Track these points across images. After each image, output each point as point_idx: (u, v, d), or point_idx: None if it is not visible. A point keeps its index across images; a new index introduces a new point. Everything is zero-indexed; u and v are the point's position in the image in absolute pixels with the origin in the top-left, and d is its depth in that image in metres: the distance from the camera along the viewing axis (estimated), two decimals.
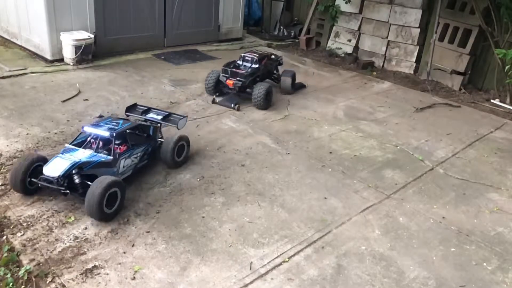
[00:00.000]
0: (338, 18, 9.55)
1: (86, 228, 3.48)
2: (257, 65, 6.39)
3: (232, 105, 6.07)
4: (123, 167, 3.95)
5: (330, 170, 4.73)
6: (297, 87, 7.09)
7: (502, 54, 6.20)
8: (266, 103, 6.15)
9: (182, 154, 4.48)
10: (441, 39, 7.98)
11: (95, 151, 3.84)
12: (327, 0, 9.65)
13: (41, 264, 3.09)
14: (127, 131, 4.12)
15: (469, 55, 7.68)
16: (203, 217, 3.76)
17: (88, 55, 7.27)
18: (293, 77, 6.93)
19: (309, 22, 10.31)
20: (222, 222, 3.72)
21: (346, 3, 9.06)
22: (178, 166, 4.44)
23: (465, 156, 5.34)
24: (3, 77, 6.45)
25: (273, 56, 6.92)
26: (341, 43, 9.65)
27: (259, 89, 6.04)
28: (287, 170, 4.65)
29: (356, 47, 9.42)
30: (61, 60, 7.25)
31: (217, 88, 6.37)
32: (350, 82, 7.97)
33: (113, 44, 7.83)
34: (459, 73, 7.86)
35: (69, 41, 6.99)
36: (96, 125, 4.02)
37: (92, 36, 7.29)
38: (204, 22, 9.34)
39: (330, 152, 5.12)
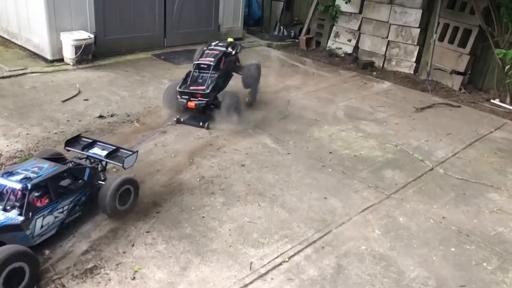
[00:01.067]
0: (338, 18, 9.54)
1: (86, 228, 3.48)
2: (216, 73, 5.45)
3: (201, 124, 5.38)
4: (41, 227, 3.07)
5: (330, 170, 4.73)
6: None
7: (502, 54, 6.19)
8: (236, 117, 5.44)
9: (128, 201, 3.59)
10: (441, 39, 7.98)
11: (4, 208, 2.99)
12: (327, 0, 9.65)
13: (40, 264, 3.09)
14: (61, 175, 3.27)
15: (469, 55, 7.67)
16: (203, 217, 3.76)
17: (88, 55, 7.27)
18: (259, 68, 6.09)
19: (309, 22, 10.31)
20: (222, 222, 3.72)
21: (346, 3, 9.06)
22: (121, 216, 3.57)
23: (465, 156, 5.34)
24: (3, 77, 6.45)
25: (230, 49, 5.79)
26: (341, 43, 9.65)
27: (227, 103, 5.35)
28: (287, 170, 4.65)
29: (356, 47, 9.41)
30: (61, 60, 7.24)
31: (176, 104, 5.49)
32: (350, 82, 7.97)
33: (113, 44, 7.82)
34: (459, 73, 7.85)
35: (69, 41, 6.99)
36: (9, 173, 3.13)
37: (92, 36, 7.29)
38: (204, 22, 9.34)
39: (330, 152, 5.12)
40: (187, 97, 5.29)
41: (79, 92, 6.19)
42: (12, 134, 4.86)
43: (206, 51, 5.68)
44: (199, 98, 5.27)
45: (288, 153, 5.01)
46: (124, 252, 3.27)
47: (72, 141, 3.90)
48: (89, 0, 7.36)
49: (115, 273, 3.08)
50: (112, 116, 5.52)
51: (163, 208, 3.82)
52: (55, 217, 3.19)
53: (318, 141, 5.39)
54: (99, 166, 3.75)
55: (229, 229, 3.63)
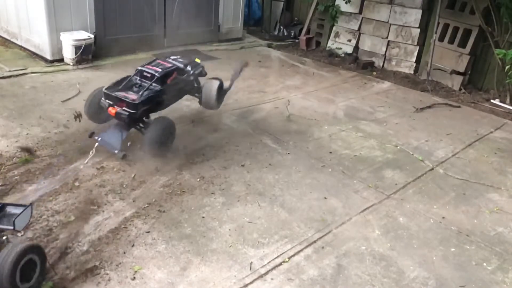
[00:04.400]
0: (338, 18, 9.54)
1: (86, 228, 3.48)
2: (158, 86, 4.44)
3: (116, 151, 4.31)
4: None
5: (330, 170, 4.73)
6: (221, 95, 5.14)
7: (502, 54, 6.20)
8: (163, 148, 4.44)
9: (33, 276, 2.79)
10: (441, 39, 7.98)
11: None
12: (327, 0, 9.65)
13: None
14: None
15: (469, 55, 7.68)
16: (203, 217, 3.76)
17: (88, 55, 7.27)
18: (219, 89, 5.02)
19: (309, 22, 10.31)
20: (222, 222, 3.72)
21: (346, 3, 9.06)
22: None
23: (465, 156, 5.34)
24: (3, 77, 6.45)
25: (188, 68, 4.82)
26: (341, 43, 9.65)
27: (154, 130, 4.31)
28: (287, 170, 4.65)
29: (356, 47, 9.42)
30: (61, 60, 7.25)
31: (102, 114, 4.49)
32: (350, 82, 7.97)
33: (113, 44, 7.82)
34: (459, 73, 7.85)
35: (69, 41, 6.99)
36: None
37: (92, 36, 7.29)
38: (204, 22, 9.34)
39: (330, 152, 5.12)
40: (112, 102, 4.31)
41: (79, 92, 6.18)
42: (12, 134, 4.86)
43: (158, 61, 4.77)
44: (124, 108, 4.24)
45: (288, 153, 5.01)
46: (124, 252, 3.27)
47: None
48: (89, 0, 7.37)
49: (115, 273, 3.08)
50: None
51: (163, 208, 3.82)
52: None
53: (318, 141, 5.39)
54: None
55: (229, 229, 3.63)
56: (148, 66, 4.58)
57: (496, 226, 4.01)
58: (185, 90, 5.02)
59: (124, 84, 4.47)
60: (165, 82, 4.52)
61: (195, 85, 5.07)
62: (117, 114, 4.23)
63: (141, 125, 4.50)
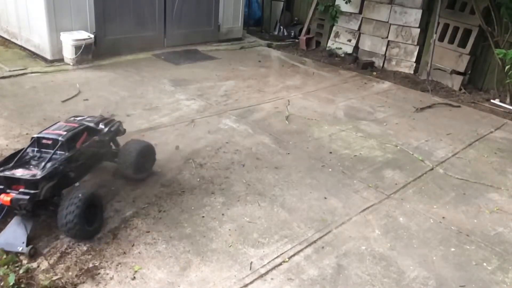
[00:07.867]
0: (338, 18, 9.55)
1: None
2: (65, 153, 3.45)
3: (20, 248, 3.12)
4: None
5: (330, 170, 4.73)
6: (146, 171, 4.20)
7: (502, 54, 6.21)
8: (87, 231, 3.31)
9: None
10: (441, 39, 7.98)
11: None
12: (327, 0, 9.66)
13: (40, 264, 3.09)
14: None
15: (469, 55, 7.68)
16: (203, 217, 3.76)
17: (88, 55, 7.28)
18: (143, 154, 4.08)
19: (309, 22, 10.32)
20: (222, 222, 3.72)
21: (346, 3, 9.07)
22: None
23: (465, 156, 5.34)
24: (3, 77, 6.46)
25: (102, 126, 3.99)
26: (341, 43, 9.66)
27: (70, 206, 3.16)
28: (287, 170, 4.65)
29: (356, 47, 9.42)
30: (61, 60, 7.26)
31: None
32: (350, 82, 7.97)
33: (113, 44, 7.83)
34: (459, 73, 7.86)
35: (69, 41, 7.00)
36: None
37: (92, 36, 7.29)
38: (204, 22, 9.35)
39: (330, 152, 5.12)
40: (2, 186, 3.21)
41: (79, 92, 6.19)
42: (12, 134, 4.86)
43: (60, 123, 3.79)
44: (21, 190, 3.16)
45: (288, 153, 5.01)
46: (124, 252, 3.27)
47: None
48: (89, 0, 7.37)
49: (115, 273, 3.08)
50: (112, 116, 5.52)
51: (163, 208, 3.82)
52: None
53: (318, 141, 5.39)
54: None
55: (229, 229, 3.63)
56: (48, 131, 3.59)
57: (496, 226, 4.01)
58: (101, 154, 4.00)
59: (17, 159, 3.38)
60: (73, 147, 3.55)
61: (112, 147, 4.19)
62: (14, 202, 3.11)
63: (51, 207, 3.34)
